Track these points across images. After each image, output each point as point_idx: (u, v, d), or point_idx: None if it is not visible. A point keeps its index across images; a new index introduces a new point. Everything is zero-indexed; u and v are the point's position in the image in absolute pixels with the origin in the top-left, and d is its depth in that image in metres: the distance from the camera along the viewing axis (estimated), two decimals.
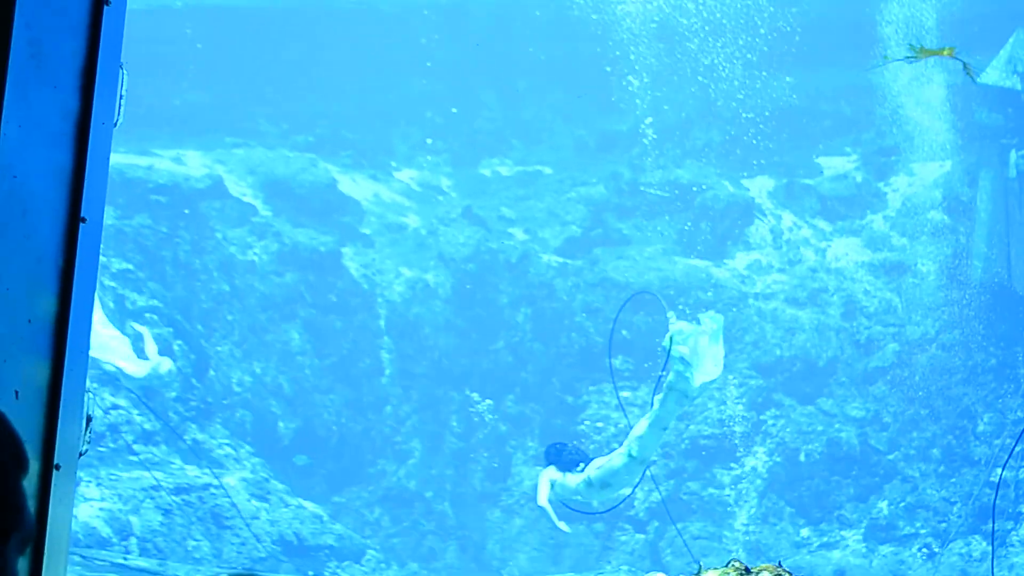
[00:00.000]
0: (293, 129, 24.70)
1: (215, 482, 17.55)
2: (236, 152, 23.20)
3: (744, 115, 24.13)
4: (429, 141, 24.89)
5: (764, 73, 23.50)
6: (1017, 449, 19.26)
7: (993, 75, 21.19)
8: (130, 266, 19.80)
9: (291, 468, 19.55)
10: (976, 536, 18.85)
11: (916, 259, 22.04)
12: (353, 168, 24.20)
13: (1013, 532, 18.61)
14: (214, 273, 20.64)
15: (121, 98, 3.90)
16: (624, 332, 21.49)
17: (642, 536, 19.98)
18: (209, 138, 23.51)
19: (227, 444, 18.79)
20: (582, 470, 15.90)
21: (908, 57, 6.39)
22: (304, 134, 24.61)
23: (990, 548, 17.55)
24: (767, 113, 24.37)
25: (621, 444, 15.88)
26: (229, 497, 17.25)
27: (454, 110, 24.58)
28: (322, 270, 21.41)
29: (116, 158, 21.04)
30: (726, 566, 9.38)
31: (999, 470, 17.96)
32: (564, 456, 16.24)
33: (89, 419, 3.89)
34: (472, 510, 19.96)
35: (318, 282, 21.29)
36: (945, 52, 6.62)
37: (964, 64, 6.84)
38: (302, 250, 21.39)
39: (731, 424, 20.79)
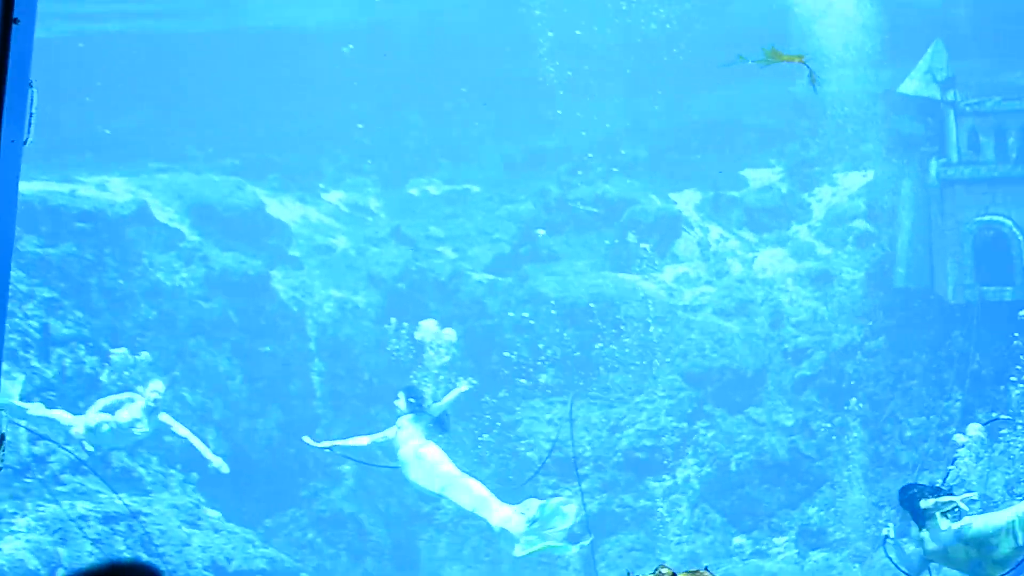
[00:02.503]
0: (219, 153, 24.61)
1: (144, 510, 17.40)
2: (161, 177, 23.07)
3: (670, 129, 24.35)
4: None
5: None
6: (942, 451, 19.50)
7: (912, 85, 21.47)
8: (55, 294, 19.61)
9: (222, 493, 19.41)
10: (904, 539, 19.01)
11: (841, 268, 22.29)
12: (281, 191, 24.15)
13: None
14: (140, 299, 20.48)
15: (31, 116, 3.90)
16: (556, 348, 21.57)
17: (576, 549, 20.00)
18: (134, 164, 23.36)
19: (156, 471, 18.63)
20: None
21: (760, 60, 6.52)
22: (230, 157, 24.52)
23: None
24: (692, 127, 24.62)
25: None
26: (144, 527, 17.09)
27: (360, 126, 24.50)
28: (251, 293, 21.31)
29: (38, 185, 20.90)
30: (654, 572, 9.47)
31: (928, 473, 18.18)
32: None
33: (2, 437, 3.89)
34: (405, 530, 19.92)
35: (247, 306, 21.20)
36: (796, 59, 6.79)
37: (809, 71, 6.99)
38: (230, 274, 21.29)
39: (662, 436, 20.91)
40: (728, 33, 23.27)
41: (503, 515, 16.17)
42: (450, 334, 20.07)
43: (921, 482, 15.20)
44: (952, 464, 18.11)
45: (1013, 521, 13.44)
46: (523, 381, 21.30)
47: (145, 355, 19.38)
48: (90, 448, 17.50)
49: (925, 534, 13.36)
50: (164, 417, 17.45)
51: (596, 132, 24.60)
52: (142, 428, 17.32)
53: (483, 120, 25.41)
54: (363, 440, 16.83)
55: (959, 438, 18.88)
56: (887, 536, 13.82)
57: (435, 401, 17.00)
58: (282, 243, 22.87)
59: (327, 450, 17.09)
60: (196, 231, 22.01)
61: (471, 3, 24.38)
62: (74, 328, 19.54)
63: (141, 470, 18.49)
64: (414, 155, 25.60)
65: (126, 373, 19.10)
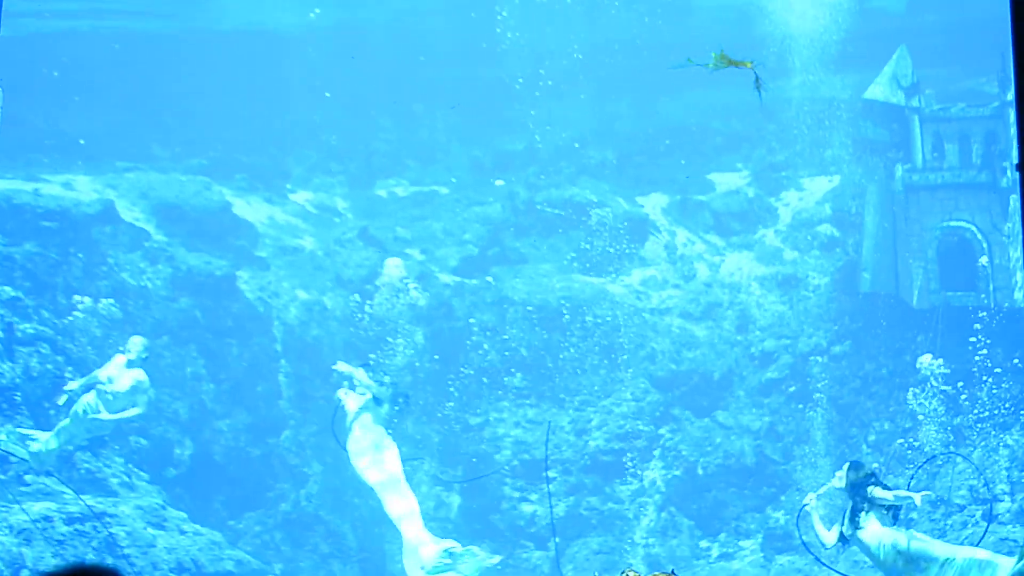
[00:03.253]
0: (186, 152, 24.48)
1: (110, 511, 17.30)
2: (128, 176, 22.93)
3: (638, 133, 24.41)
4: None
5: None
6: (908, 455, 19.64)
7: (878, 91, 21.63)
8: (19, 294, 19.46)
9: (188, 495, 19.32)
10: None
11: (807, 272, 22.41)
12: (247, 191, 24.04)
13: None
14: (107, 299, 20.34)
15: None
16: (523, 351, 21.60)
17: (542, 553, 20.05)
18: (100, 163, 23.21)
19: (122, 472, 18.51)
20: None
21: (709, 64, 6.61)
22: (197, 157, 24.40)
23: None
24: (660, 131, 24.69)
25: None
26: (109, 528, 16.97)
27: (327, 94, 24.29)
28: (217, 294, 21.21)
29: (3, 184, 20.70)
30: (621, 574, 9.52)
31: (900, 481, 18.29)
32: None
33: None
34: (372, 532, 19.85)
35: (213, 306, 21.10)
36: (744, 64, 6.89)
37: (756, 77, 7.09)
38: (197, 274, 21.19)
39: (629, 439, 20.96)
40: (695, 39, 23.34)
41: (421, 539, 16.54)
42: (415, 290, 20.44)
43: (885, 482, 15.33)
44: (915, 434, 18.32)
45: (950, 559, 13.71)
46: (488, 376, 21.33)
47: (109, 302, 19.54)
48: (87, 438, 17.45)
49: (863, 521, 13.60)
50: (138, 374, 17.40)
51: (564, 135, 24.63)
52: (125, 381, 17.29)
53: (451, 122, 25.40)
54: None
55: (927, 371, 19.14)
56: (805, 505, 14.09)
57: (381, 384, 17.35)
58: (249, 244, 22.77)
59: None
60: (162, 231, 21.89)
61: (440, 6, 24.37)
62: (39, 327, 19.40)
63: (107, 471, 18.36)
64: (382, 156, 25.55)
65: (95, 331, 19.00)
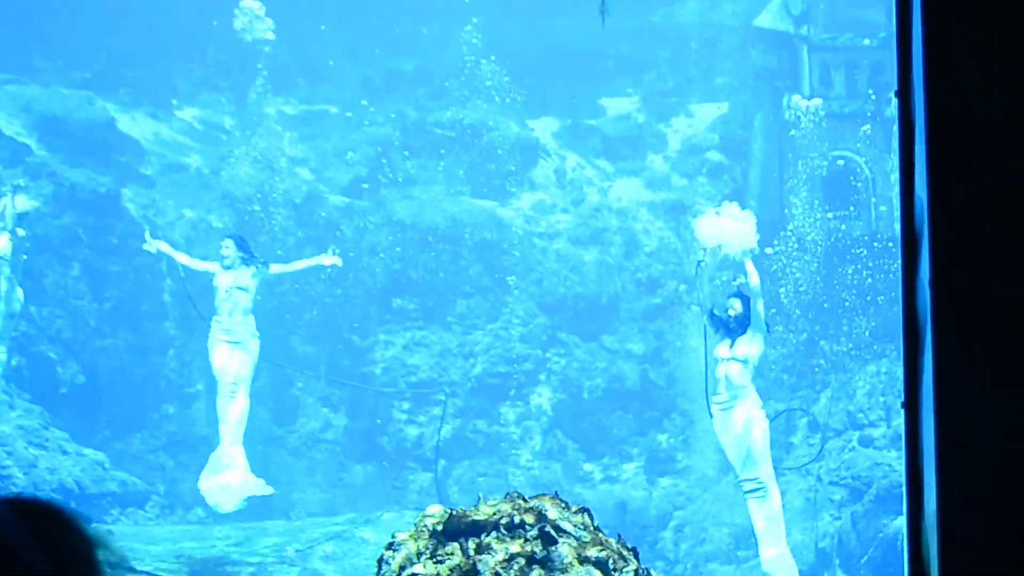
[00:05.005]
0: (69, 65, 23.84)
1: None
2: (7, 89, 22.31)
3: (529, 56, 24.33)
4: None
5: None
6: (785, 380, 20.09)
7: (767, 19, 21.81)
8: None
9: (70, 415, 19.10)
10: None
11: (695, 199, 22.61)
12: (132, 106, 23.54)
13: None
14: None
15: None
16: (412, 273, 21.60)
17: (429, 475, 20.21)
18: None
19: (1, 391, 18.23)
20: None
21: None
22: (80, 70, 23.78)
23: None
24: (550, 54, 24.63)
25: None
26: None
27: (215, 23, 23.72)
28: (101, 212, 20.84)
29: None
30: (505, 497, 9.65)
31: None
32: None
33: None
34: (259, 453, 19.80)
35: (97, 224, 20.74)
36: None
37: (602, 2, 7.26)
38: (80, 191, 20.78)
39: (516, 363, 21.12)
40: None
41: (235, 461, 16.83)
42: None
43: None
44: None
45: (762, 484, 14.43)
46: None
47: None
48: None
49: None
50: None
51: (455, 57, 24.43)
52: None
53: (342, 40, 25.05)
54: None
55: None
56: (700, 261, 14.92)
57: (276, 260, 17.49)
58: (133, 160, 22.35)
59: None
60: (44, 146, 21.39)
61: None
62: None
63: None
64: (270, 73, 25.12)
65: None
